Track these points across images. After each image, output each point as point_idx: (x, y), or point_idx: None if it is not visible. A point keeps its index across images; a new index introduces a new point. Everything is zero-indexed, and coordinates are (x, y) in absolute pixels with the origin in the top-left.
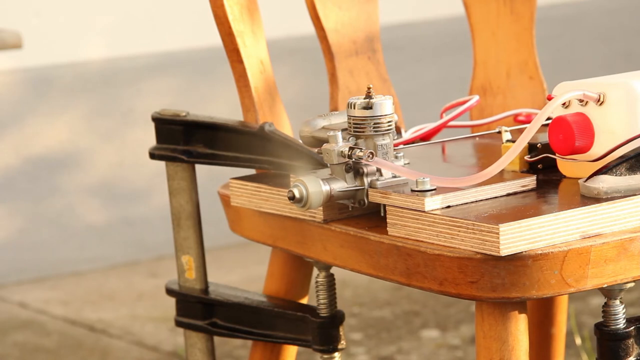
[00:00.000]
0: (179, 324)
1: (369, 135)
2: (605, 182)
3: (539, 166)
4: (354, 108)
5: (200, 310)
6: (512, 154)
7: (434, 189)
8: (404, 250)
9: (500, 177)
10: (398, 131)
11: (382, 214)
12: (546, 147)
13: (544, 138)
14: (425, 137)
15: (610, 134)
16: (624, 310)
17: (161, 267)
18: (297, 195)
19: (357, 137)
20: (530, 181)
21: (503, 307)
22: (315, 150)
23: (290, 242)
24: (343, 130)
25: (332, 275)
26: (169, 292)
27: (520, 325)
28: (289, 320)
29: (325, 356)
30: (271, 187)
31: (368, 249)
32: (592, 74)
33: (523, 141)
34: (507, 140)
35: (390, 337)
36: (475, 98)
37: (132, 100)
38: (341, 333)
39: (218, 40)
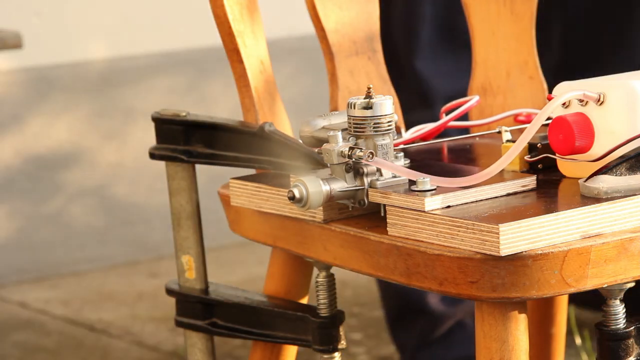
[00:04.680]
0: (179, 324)
1: (369, 135)
2: (605, 182)
3: (539, 166)
4: (354, 108)
5: (200, 310)
6: (512, 154)
7: (434, 189)
8: (404, 250)
9: (500, 177)
10: (398, 131)
11: (382, 214)
12: (546, 147)
13: (544, 138)
14: (425, 137)
15: (610, 134)
16: (624, 310)
17: (161, 267)
18: (297, 195)
19: (357, 137)
20: (530, 181)
21: (503, 307)
22: (315, 150)
23: (290, 242)
24: (343, 130)
25: (332, 275)
26: (169, 292)
27: (520, 325)
28: (289, 320)
29: (326, 356)
30: (271, 187)
31: (368, 249)
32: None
33: (523, 141)
34: (507, 140)
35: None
36: (475, 98)
37: (132, 100)
38: (341, 333)
39: (218, 40)
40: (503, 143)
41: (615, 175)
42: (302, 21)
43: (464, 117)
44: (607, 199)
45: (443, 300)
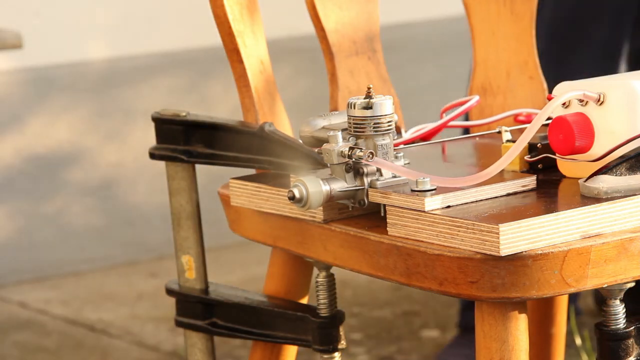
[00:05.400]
0: (179, 324)
1: (369, 135)
2: (605, 182)
3: (539, 166)
4: (354, 108)
5: (200, 310)
6: (512, 154)
7: (434, 189)
8: (404, 250)
9: (500, 177)
10: (398, 131)
11: (382, 214)
12: (546, 147)
13: (544, 138)
14: (425, 137)
15: (610, 134)
16: (624, 310)
17: (161, 267)
18: (297, 195)
19: (357, 137)
20: (530, 181)
21: (503, 307)
22: (315, 150)
23: (290, 242)
24: (343, 130)
25: (332, 275)
26: (169, 292)
27: (520, 325)
28: (289, 320)
29: (325, 356)
30: (271, 187)
31: (368, 249)
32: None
33: (523, 141)
34: (507, 140)
35: (390, 337)
36: (475, 98)
37: (132, 100)
38: (341, 333)
39: (218, 40)
40: (503, 143)
41: (615, 175)
42: (302, 21)
43: (464, 117)
44: (607, 199)
45: None
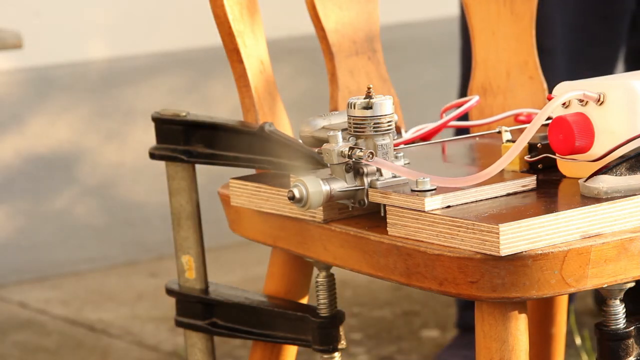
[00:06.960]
0: (179, 324)
1: (369, 135)
2: (605, 182)
3: (539, 166)
4: (354, 108)
5: (200, 310)
6: (512, 154)
7: (434, 189)
8: (404, 250)
9: (500, 177)
10: (398, 131)
11: (382, 214)
12: (546, 147)
13: (544, 138)
14: (425, 137)
15: (610, 134)
16: (624, 310)
17: (161, 267)
18: (297, 195)
19: (357, 137)
20: (530, 181)
21: (503, 307)
22: (315, 150)
23: (290, 242)
24: (343, 130)
25: (332, 275)
26: (169, 292)
27: (520, 325)
28: (289, 320)
29: (325, 356)
30: (271, 187)
31: (368, 249)
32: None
33: (523, 141)
34: (507, 140)
35: (390, 337)
36: (475, 98)
37: (132, 100)
38: (341, 333)
39: (218, 40)
40: (503, 143)
41: (615, 175)
42: (302, 21)
43: (464, 117)
44: (607, 199)
45: None
